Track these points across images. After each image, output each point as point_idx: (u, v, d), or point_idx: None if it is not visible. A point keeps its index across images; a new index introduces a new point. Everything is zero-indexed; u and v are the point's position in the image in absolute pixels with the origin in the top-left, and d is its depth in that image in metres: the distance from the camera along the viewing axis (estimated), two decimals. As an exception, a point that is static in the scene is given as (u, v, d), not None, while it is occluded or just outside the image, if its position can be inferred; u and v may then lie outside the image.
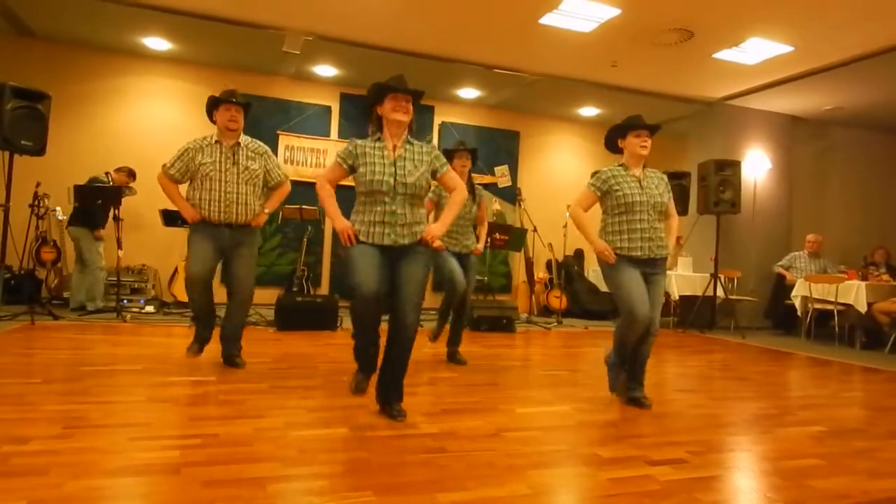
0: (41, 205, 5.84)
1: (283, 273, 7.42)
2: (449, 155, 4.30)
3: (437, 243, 2.86)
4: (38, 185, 5.86)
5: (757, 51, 6.02)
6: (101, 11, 5.78)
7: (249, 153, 3.69)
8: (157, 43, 6.67)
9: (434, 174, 2.88)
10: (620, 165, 3.33)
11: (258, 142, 3.78)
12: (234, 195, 3.60)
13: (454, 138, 7.89)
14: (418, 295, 2.78)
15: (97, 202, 5.77)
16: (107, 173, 6.08)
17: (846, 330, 6.55)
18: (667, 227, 3.35)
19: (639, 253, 3.22)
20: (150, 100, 7.19)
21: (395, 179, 2.74)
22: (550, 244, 8.11)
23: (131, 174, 6.22)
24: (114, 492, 1.86)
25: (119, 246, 6.00)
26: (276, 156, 7.39)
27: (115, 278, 5.94)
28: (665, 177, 3.40)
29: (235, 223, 3.61)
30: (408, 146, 2.84)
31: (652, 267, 3.25)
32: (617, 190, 3.26)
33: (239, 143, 3.66)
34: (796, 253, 7.55)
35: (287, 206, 6.49)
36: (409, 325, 2.73)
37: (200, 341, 3.73)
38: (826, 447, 2.74)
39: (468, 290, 4.33)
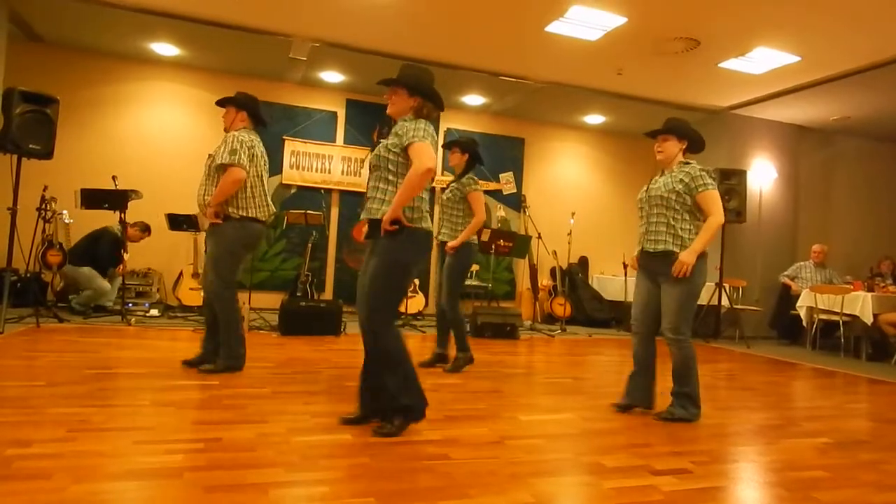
0: (48, 208, 5.87)
1: (287, 278, 7.43)
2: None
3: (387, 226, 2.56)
4: (45, 188, 5.88)
5: (763, 60, 6.02)
6: (110, 17, 5.84)
7: (222, 144, 3.61)
8: (164, 48, 6.72)
9: (405, 151, 2.63)
10: (661, 171, 3.38)
11: (236, 133, 3.60)
12: (201, 185, 3.66)
13: (459, 145, 7.91)
14: (364, 295, 2.60)
15: (107, 247, 5.95)
16: (125, 222, 6.06)
17: (852, 341, 6.51)
18: (704, 226, 3.14)
19: (638, 249, 3.35)
20: (158, 105, 7.23)
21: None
22: (555, 251, 8.11)
23: (146, 229, 6.28)
24: (116, 496, 1.86)
25: (125, 250, 6.02)
26: (283, 161, 7.51)
27: (120, 282, 5.97)
28: (693, 171, 3.17)
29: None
30: (401, 124, 2.71)
31: (655, 265, 3.22)
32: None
33: (225, 139, 3.67)
34: (802, 263, 7.52)
35: (292, 210, 6.52)
36: (361, 322, 2.62)
37: (198, 357, 3.81)
38: (831, 459, 2.72)
39: (441, 295, 4.23)
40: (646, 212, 3.30)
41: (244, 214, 3.58)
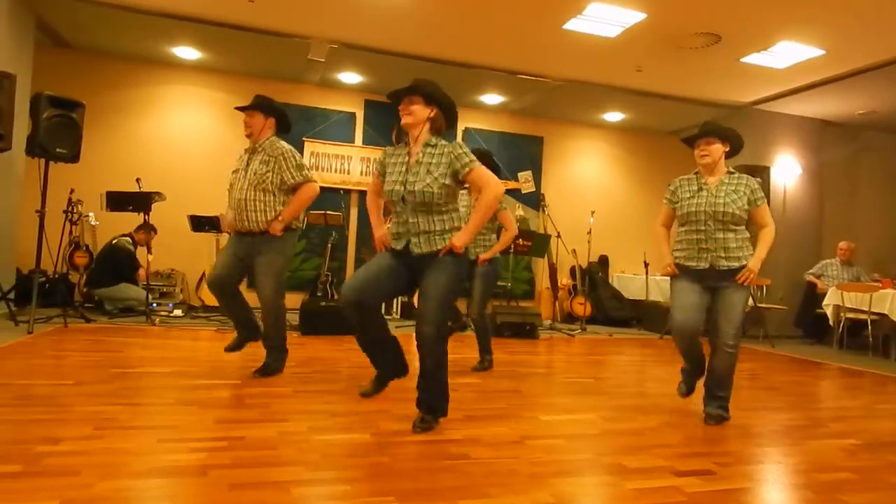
0: (75, 210, 6.00)
1: (307, 278, 7.49)
2: None
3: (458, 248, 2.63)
4: (71, 191, 6.01)
5: (786, 54, 5.92)
6: (133, 22, 5.94)
7: (264, 157, 3.50)
8: (186, 52, 6.82)
9: (456, 176, 2.62)
10: (696, 173, 3.25)
11: (280, 144, 3.54)
12: (244, 202, 3.46)
13: (477, 144, 7.90)
14: (435, 308, 2.61)
15: (124, 260, 6.06)
16: (131, 235, 6.22)
17: (880, 340, 6.37)
18: (760, 237, 3.16)
19: (695, 264, 3.12)
20: (180, 108, 7.34)
21: (404, 188, 2.62)
22: (574, 250, 8.05)
23: (151, 229, 6.28)
24: (142, 493, 1.89)
25: (148, 251, 6.13)
26: (302, 162, 7.56)
27: (144, 283, 6.07)
28: (752, 184, 3.15)
29: (252, 231, 3.49)
30: (429, 149, 2.64)
31: (718, 280, 3.09)
32: (679, 199, 3.23)
33: (257, 148, 3.53)
34: (828, 260, 7.38)
35: (311, 211, 6.57)
36: (423, 337, 2.62)
37: (236, 342, 3.69)
38: (859, 461, 2.66)
39: (473, 304, 4.26)
40: (709, 226, 3.09)
41: (299, 225, 3.68)
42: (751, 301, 6.90)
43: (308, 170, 3.59)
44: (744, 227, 3.15)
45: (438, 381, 2.71)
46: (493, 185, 2.61)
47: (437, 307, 2.62)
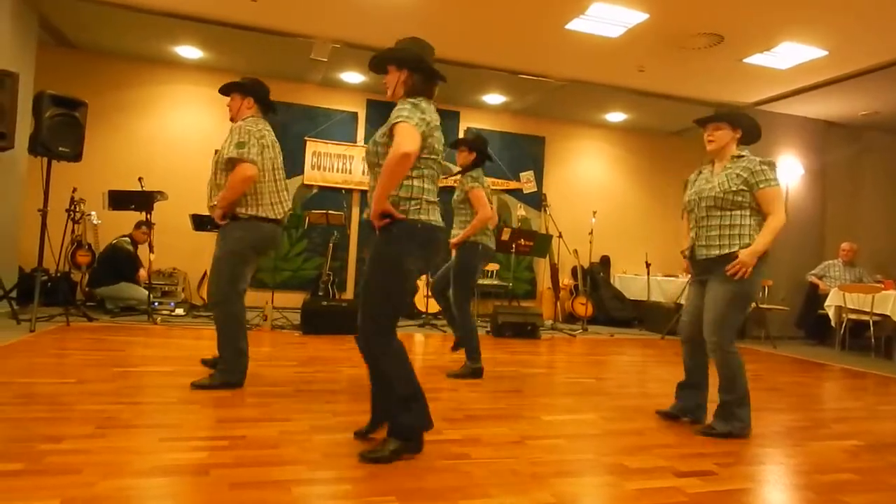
0: (77, 209, 6.01)
1: (308, 278, 7.50)
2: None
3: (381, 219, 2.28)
4: (74, 190, 6.02)
5: (789, 55, 5.91)
6: (136, 21, 5.95)
7: (229, 135, 3.25)
8: (188, 51, 6.83)
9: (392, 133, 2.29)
10: (710, 162, 3.11)
11: (247, 121, 3.27)
12: (209, 184, 3.30)
13: (479, 144, 7.90)
14: (363, 292, 2.30)
15: (125, 260, 6.09)
16: (130, 235, 6.28)
17: (882, 341, 6.36)
18: (763, 226, 2.88)
19: (688, 254, 3.07)
20: (182, 107, 7.35)
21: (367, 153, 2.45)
22: (576, 250, 8.05)
23: (145, 225, 6.24)
24: (143, 492, 1.89)
25: (150, 250, 6.14)
26: (304, 162, 7.57)
27: (146, 283, 6.09)
28: (752, 165, 2.89)
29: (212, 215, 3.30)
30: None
31: (710, 269, 2.94)
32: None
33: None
34: (830, 261, 7.37)
35: (313, 211, 6.58)
36: (359, 331, 2.33)
37: (213, 374, 3.27)
38: (861, 462, 2.66)
39: (449, 288, 4.03)
40: (698, 214, 2.98)
41: (253, 213, 3.19)
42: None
43: (250, 150, 3.13)
44: (744, 213, 2.88)
45: (389, 390, 2.32)
46: (400, 139, 2.19)
47: (370, 297, 2.27)
